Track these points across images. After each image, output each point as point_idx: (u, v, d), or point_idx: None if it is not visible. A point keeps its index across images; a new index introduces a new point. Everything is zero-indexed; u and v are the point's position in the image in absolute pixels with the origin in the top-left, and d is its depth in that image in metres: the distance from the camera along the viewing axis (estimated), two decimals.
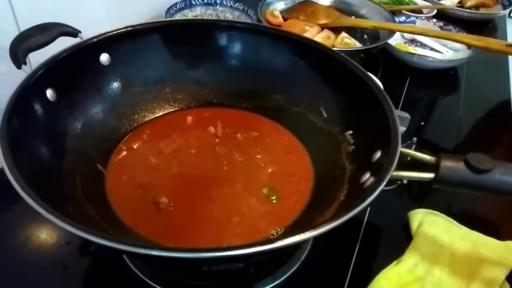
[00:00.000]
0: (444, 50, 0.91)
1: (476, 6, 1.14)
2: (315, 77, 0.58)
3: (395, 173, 0.38)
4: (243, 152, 0.56)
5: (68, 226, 0.31)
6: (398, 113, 0.45)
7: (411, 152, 0.41)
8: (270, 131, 0.59)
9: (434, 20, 1.01)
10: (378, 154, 0.43)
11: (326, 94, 0.56)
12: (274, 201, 0.50)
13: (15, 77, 0.44)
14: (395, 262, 0.49)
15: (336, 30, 0.87)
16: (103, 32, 0.54)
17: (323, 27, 0.87)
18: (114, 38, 0.54)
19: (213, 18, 0.90)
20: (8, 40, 0.49)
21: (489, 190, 0.38)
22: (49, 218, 0.31)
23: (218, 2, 0.92)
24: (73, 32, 0.53)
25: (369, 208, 0.55)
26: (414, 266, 0.48)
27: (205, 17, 0.90)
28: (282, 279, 0.47)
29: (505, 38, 1.12)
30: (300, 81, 0.59)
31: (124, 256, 0.48)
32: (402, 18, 0.99)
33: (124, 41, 0.56)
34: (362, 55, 0.85)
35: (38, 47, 0.50)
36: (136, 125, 0.58)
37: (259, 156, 0.55)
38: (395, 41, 0.89)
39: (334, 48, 0.65)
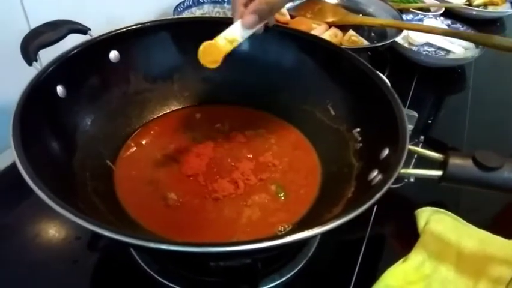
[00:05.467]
0: (452, 49, 0.90)
1: (484, 5, 1.14)
2: (323, 74, 0.58)
3: (402, 171, 0.38)
4: (250, 149, 0.56)
5: (82, 221, 0.31)
6: (405, 111, 0.45)
7: (420, 149, 0.41)
8: (277, 129, 0.59)
9: (442, 18, 1.00)
10: (386, 152, 0.43)
11: (334, 92, 0.56)
12: (282, 198, 0.50)
13: (26, 74, 0.45)
14: (401, 260, 0.49)
15: (344, 28, 0.87)
16: (112, 29, 0.54)
17: (330, 25, 0.87)
18: (123, 35, 0.55)
19: (221, 16, 0.90)
20: (19, 37, 0.49)
21: (497, 188, 0.38)
22: (63, 212, 0.32)
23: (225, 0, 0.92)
24: (83, 30, 0.54)
25: (376, 206, 0.55)
26: (421, 264, 0.48)
27: (213, 15, 0.91)
28: (289, 275, 0.47)
29: None
30: (308, 78, 0.59)
31: (133, 251, 0.48)
32: (410, 17, 0.98)
33: (133, 39, 0.56)
34: (369, 53, 0.85)
35: (49, 44, 0.50)
36: (144, 121, 0.59)
37: (266, 153, 0.55)
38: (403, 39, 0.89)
39: (341, 46, 0.64)
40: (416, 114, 0.63)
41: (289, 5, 0.92)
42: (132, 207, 0.47)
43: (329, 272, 0.50)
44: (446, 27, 0.96)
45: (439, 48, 0.91)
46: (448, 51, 0.91)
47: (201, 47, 0.48)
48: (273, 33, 0.60)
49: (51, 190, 0.33)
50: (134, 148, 0.55)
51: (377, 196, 0.35)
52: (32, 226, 0.51)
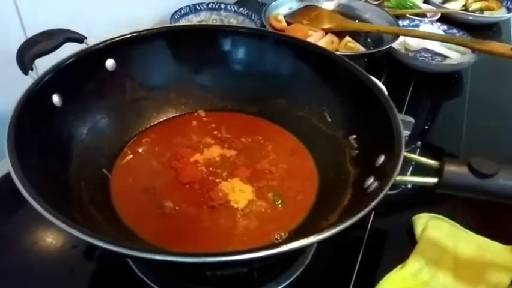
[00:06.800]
0: (448, 54, 0.91)
1: (481, 10, 1.14)
2: (319, 81, 0.58)
3: (398, 178, 0.38)
4: (247, 156, 0.56)
5: (74, 231, 0.31)
6: (402, 117, 0.46)
7: (415, 156, 0.41)
8: (274, 135, 0.59)
9: (438, 23, 1.00)
10: (382, 158, 0.43)
11: (330, 98, 0.56)
12: (279, 205, 0.50)
13: (22, 83, 0.45)
14: (399, 266, 0.49)
15: (340, 34, 0.87)
16: (109, 37, 0.54)
17: (326, 31, 0.87)
18: (119, 43, 0.55)
19: (217, 23, 0.91)
20: (15, 46, 0.50)
21: (492, 195, 0.38)
22: (55, 222, 0.32)
23: (222, 7, 0.93)
24: (79, 38, 0.54)
25: (373, 212, 0.55)
26: (419, 270, 0.48)
27: (210, 22, 0.91)
28: (285, 283, 0.47)
29: (509, 41, 1.12)
30: (304, 85, 0.59)
31: (129, 260, 0.48)
32: (406, 22, 0.99)
33: (129, 47, 0.56)
34: (365, 59, 0.85)
35: (45, 53, 0.50)
36: (141, 129, 0.59)
37: (263, 161, 0.55)
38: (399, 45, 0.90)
39: (338, 53, 0.65)
40: (412, 119, 0.63)
41: (286, 11, 0.93)
42: (128, 216, 0.47)
43: (326, 279, 0.50)
44: (443, 32, 0.97)
45: (436, 53, 0.92)
46: (445, 57, 0.91)
47: None
48: (270, 41, 0.61)
49: (45, 200, 0.33)
50: (131, 156, 0.55)
51: (373, 204, 0.35)
52: (29, 234, 0.51)
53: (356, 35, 0.88)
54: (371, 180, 0.43)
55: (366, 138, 0.50)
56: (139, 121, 0.59)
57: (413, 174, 0.41)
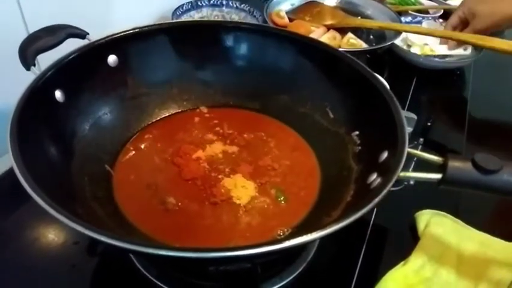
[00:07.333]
0: (451, 51, 0.90)
1: None
2: (321, 77, 0.58)
3: (402, 174, 0.38)
4: (249, 152, 0.56)
5: (78, 226, 0.31)
6: (404, 113, 0.45)
7: (419, 152, 0.41)
8: (276, 131, 0.59)
9: (441, 20, 1.00)
10: (385, 155, 0.43)
11: (332, 95, 0.56)
12: (282, 202, 0.50)
13: (25, 79, 0.45)
14: (401, 263, 0.49)
15: (342, 30, 0.87)
16: (111, 33, 0.54)
17: (328, 27, 0.87)
18: (122, 39, 0.55)
19: (219, 19, 0.91)
20: (17, 42, 0.49)
21: (496, 191, 0.38)
22: (59, 217, 0.32)
23: (224, 3, 0.92)
24: (81, 34, 0.54)
25: (376, 209, 0.55)
26: (421, 267, 0.48)
27: (212, 18, 0.91)
28: (289, 279, 0.47)
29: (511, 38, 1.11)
30: (306, 81, 0.59)
31: (132, 256, 0.48)
32: (409, 19, 0.98)
33: (131, 43, 0.56)
34: (368, 56, 0.85)
35: (47, 48, 0.50)
36: (143, 125, 0.58)
37: (265, 157, 0.55)
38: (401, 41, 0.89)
39: (340, 49, 0.64)
40: (415, 116, 0.63)
41: (288, 7, 0.92)
42: (131, 212, 0.47)
43: (329, 275, 0.50)
44: None
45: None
46: (447, 53, 0.90)
47: None
48: (272, 37, 0.61)
49: (48, 195, 0.33)
50: (133, 152, 0.55)
51: (376, 200, 0.35)
52: (31, 231, 0.51)
53: (358, 32, 0.87)
54: (374, 176, 0.43)
55: (369, 134, 0.50)
56: (141, 117, 0.59)
57: (415, 170, 0.41)
